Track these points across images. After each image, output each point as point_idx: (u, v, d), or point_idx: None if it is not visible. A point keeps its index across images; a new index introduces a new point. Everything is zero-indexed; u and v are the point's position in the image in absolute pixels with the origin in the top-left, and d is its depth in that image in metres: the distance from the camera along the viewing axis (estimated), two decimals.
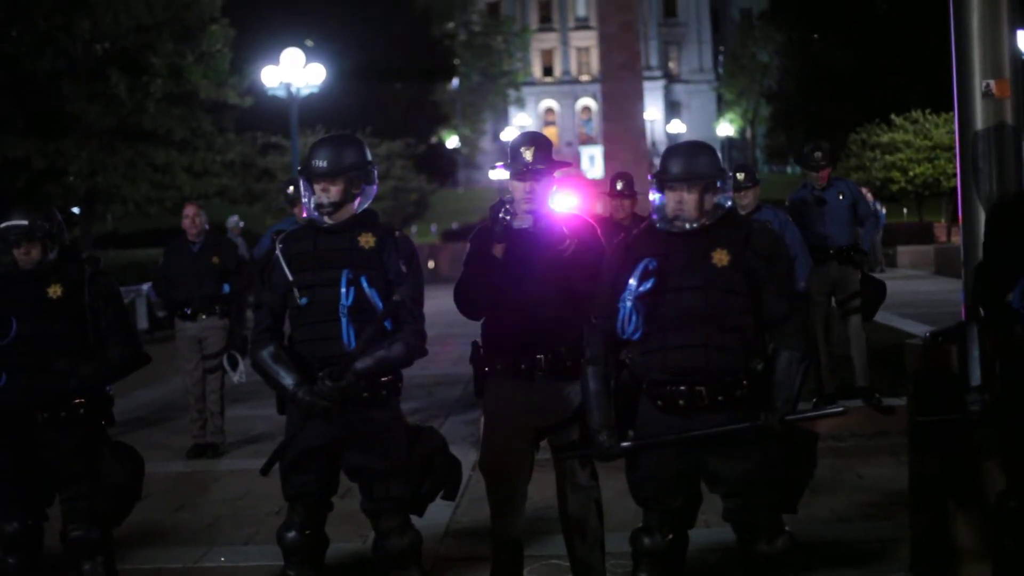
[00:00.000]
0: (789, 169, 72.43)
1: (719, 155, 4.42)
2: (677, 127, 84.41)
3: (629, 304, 4.24)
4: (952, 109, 5.46)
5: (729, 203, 4.36)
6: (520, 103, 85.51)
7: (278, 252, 4.74)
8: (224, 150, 34.87)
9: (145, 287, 18.63)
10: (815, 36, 48.88)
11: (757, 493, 4.25)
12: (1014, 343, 4.45)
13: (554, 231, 4.84)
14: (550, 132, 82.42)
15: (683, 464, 4.29)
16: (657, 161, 4.48)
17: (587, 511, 5.01)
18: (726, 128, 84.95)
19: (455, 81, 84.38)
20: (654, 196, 4.39)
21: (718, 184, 4.31)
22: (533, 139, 5.00)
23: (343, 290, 4.61)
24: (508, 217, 4.80)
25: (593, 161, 74.26)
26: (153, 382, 12.94)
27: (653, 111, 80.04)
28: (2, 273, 5.03)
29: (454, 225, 49.97)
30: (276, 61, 26.22)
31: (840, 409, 4.49)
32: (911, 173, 33.77)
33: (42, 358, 4.95)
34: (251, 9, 53.10)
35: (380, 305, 4.61)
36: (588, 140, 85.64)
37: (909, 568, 5.50)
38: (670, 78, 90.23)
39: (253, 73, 31.00)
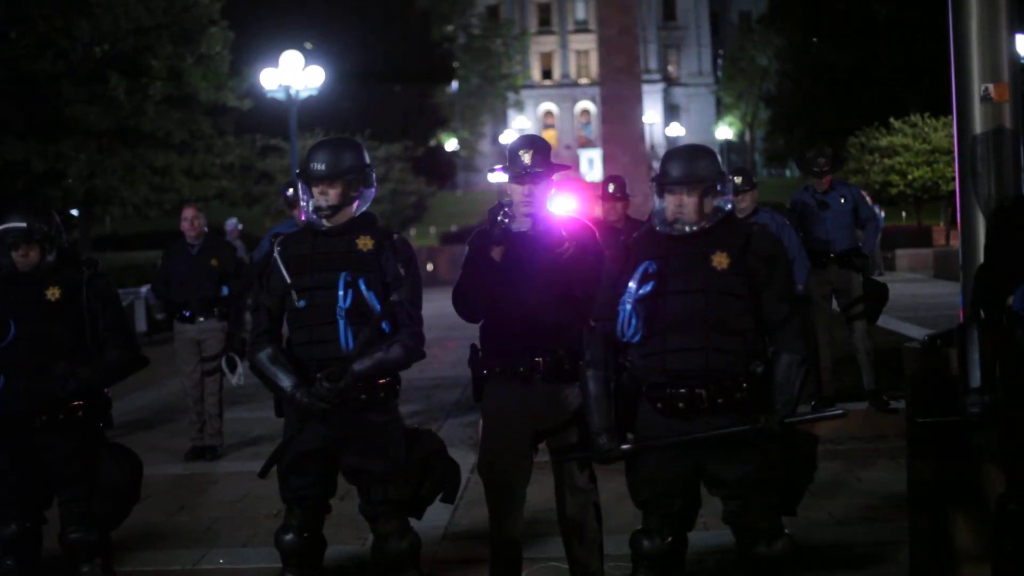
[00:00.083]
0: (788, 172, 72.53)
1: (719, 158, 4.43)
2: (676, 130, 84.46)
3: (629, 307, 4.24)
4: (951, 113, 5.46)
5: (729, 206, 4.37)
6: (519, 106, 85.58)
7: (276, 255, 4.74)
8: (223, 153, 34.93)
9: (144, 289, 18.66)
10: (814, 40, 48.90)
11: (757, 496, 4.25)
12: (1014, 346, 4.45)
13: (553, 234, 4.84)
14: (549, 135, 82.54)
15: (683, 467, 4.29)
16: (656, 164, 4.49)
17: (586, 513, 5.01)
18: (725, 131, 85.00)
19: (454, 84, 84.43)
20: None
21: (718, 187, 4.31)
22: (532, 142, 5.00)
23: (341, 293, 4.61)
24: (507, 220, 4.80)
25: (592, 164, 74.38)
26: (151, 384, 12.94)
27: (652, 114, 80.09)
28: (0, 276, 5.03)
29: (453, 228, 50.01)
30: (275, 64, 26.23)
31: (840, 412, 4.49)
32: (910, 177, 33.79)
33: (41, 360, 4.95)
34: (250, 12, 53.15)
35: (378, 308, 4.62)
36: (587, 143, 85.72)
37: (908, 571, 5.49)
38: (669, 81, 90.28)
39: (252, 76, 31.04)
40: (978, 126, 5.26)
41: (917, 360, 5.30)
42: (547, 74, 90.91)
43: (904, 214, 41.85)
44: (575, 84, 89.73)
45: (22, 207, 5.08)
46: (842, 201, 9.29)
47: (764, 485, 4.25)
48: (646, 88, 58.49)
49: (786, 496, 4.33)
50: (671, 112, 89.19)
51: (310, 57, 27.55)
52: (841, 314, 9.44)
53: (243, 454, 9.49)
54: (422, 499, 4.82)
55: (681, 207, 4.29)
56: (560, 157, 58.50)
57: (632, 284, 4.25)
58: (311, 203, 4.70)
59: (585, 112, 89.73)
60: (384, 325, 4.63)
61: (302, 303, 4.66)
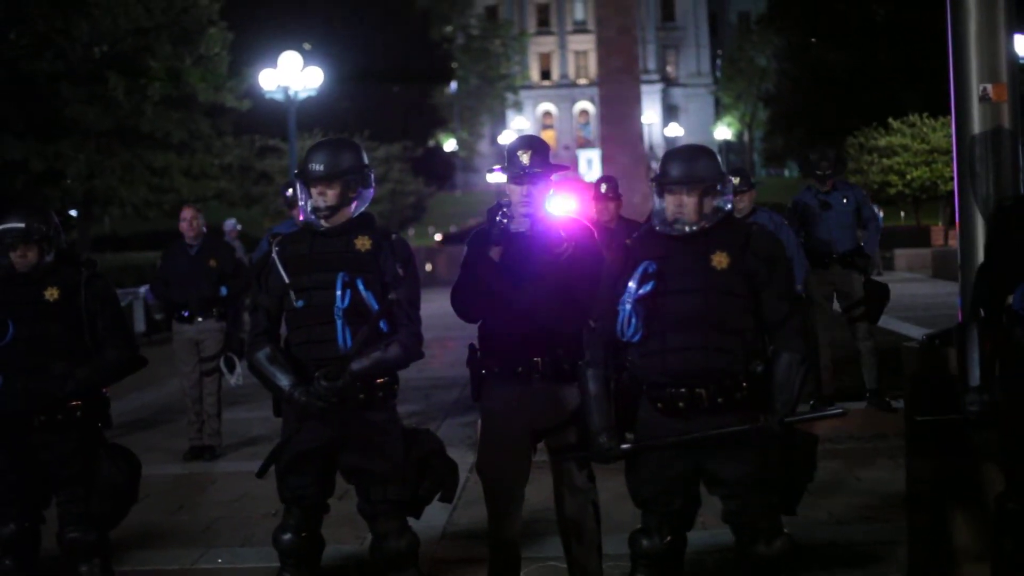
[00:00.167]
0: (787, 172, 72.53)
1: (719, 158, 4.43)
2: (675, 131, 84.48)
3: (628, 307, 4.24)
4: (949, 113, 5.47)
5: (729, 206, 4.37)
6: (518, 107, 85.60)
7: (274, 255, 4.74)
8: (222, 153, 34.93)
9: (142, 290, 18.66)
10: (813, 40, 48.93)
11: (756, 495, 4.25)
12: (1013, 345, 4.45)
13: (551, 234, 4.84)
14: (548, 136, 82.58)
15: (683, 466, 4.29)
16: (655, 165, 4.50)
17: (584, 513, 5.02)
18: (724, 132, 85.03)
19: (453, 84, 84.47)
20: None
21: (718, 187, 4.31)
22: (530, 142, 5.01)
23: (339, 293, 4.61)
24: (505, 220, 4.80)
25: (591, 164, 74.39)
26: (150, 384, 12.94)
27: (651, 115, 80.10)
28: None
29: (452, 228, 50.02)
30: (274, 64, 26.24)
31: (840, 411, 4.49)
32: (908, 177, 33.83)
33: (39, 361, 4.95)
34: (249, 13, 53.15)
35: (376, 308, 4.62)
36: (586, 144, 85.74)
37: (907, 570, 5.49)
38: (668, 82, 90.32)
39: (251, 76, 31.06)
40: (976, 126, 5.27)
41: (916, 359, 5.30)
42: (546, 75, 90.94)
43: (903, 214, 41.87)
44: (574, 85, 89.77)
45: (20, 207, 5.08)
46: (844, 201, 9.29)
47: (764, 484, 4.25)
48: (645, 88, 58.42)
49: (786, 495, 4.33)
50: (670, 112, 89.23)
51: (309, 58, 27.57)
52: (843, 315, 9.44)
53: (241, 454, 9.49)
54: (420, 498, 4.82)
55: (681, 207, 4.29)
56: (559, 158, 58.51)
57: (632, 284, 4.25)
58: (309, 203, 4.70)
59: (584, 112, 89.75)
60: (382, 325, 4.64)
61: (300, 303, 4.66)
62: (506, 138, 63.76)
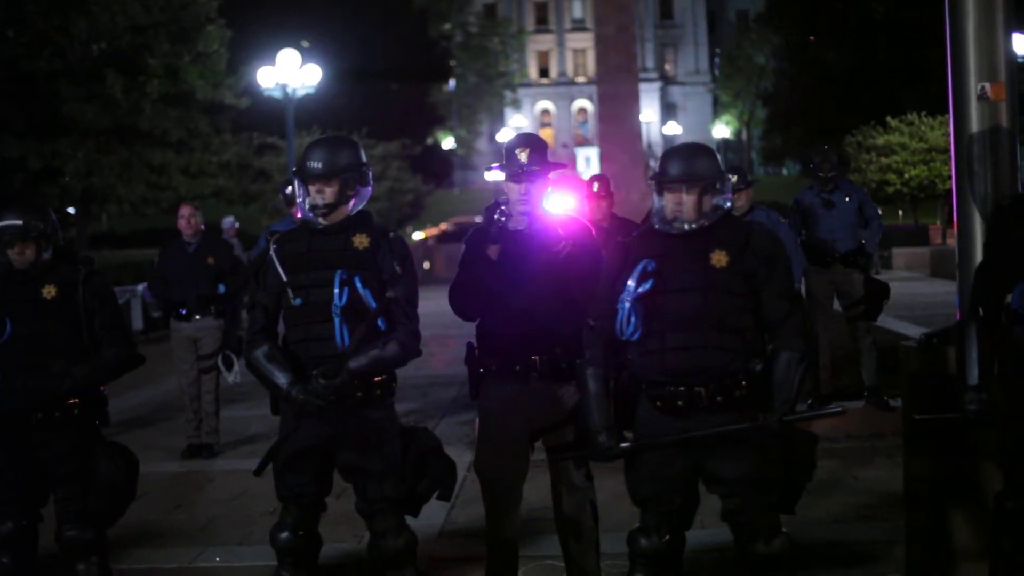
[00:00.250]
0: (785, 171, 72.50)
1: (718, 157, 4.43)
2: (673, 129, 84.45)
3: (627, 305, 4.24)
4: (948, 112, 5.47)
5: (728, 204, 4.37)
6: (516, 105, 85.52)
7: (272, 253, 4.74)
8: (220, 151, 34.91)
9: (140, 287, 18.67)
10: (811, 38, 48.89)
11: (755, 494, 4.25)
12: (1012, 344, 4.45)
13: (549, 233, 4.84)
14: (546, 134, 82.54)
15: (682, 465, 4.29)
16: (653, 163, 4.49)
17: (582, 512, 5.02)
18: (722, 130, 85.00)
19: (451, 82, 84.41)
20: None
21: (717, 186, 4.31)
22: (528, 141, 5.01)
23: (336, 290, 4.61)
24: (503, 218, 4.80)
25: (589, 163, 74.30)
26: (148, 382, 12.93)
27: (649, 113, 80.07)
28: None
29: (450, 227, 49.91)
30: (272, 62, 26.23)
31: (839, 409, 4.49)
32: (907, 176, 33.81)
33: (37, 359, 4.95)
34: (247, 10, 53.12)
35: (374, 305, 4.62)
36: (584, 142, 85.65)
37: (905, 570, 5.49)
38: (666, 80, 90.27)
39: (249, 74, 31.06)
40: (974, 125, 5.27)
41: (914, 358, 5.30)
42: (544, 72, 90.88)
43: (900, 213, 41.85)
44: (572, 83, 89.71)
45: (18, 205, 5.07)
46: (847, 200, 9.29)
47: (763, 483, 4.25)
48: (643, 86, 58.38)
49: (785, 494, 4.33)
50: (668, 111, 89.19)
51: (307, 55, 27.56)
52: (844, 314, 9.44)
53: (239, 452, 9.49)
54: (418, 497, 4.82)
55: (680, 205, 4.29)
56: (557, 156, 58.45)
57: (631, 282, 4.25)
58: (307, 201, 4.70)
59: (582, 111, 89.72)
60: (380, 323, 4.63)
61: (298, 301, 4.66)
62: (504, 136, 63.69)
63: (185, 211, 9.48)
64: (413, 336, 4.71)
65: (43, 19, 29.71)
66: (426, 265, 35.00)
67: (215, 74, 32.65)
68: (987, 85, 5.23)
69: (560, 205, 5.17)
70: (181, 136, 32.77)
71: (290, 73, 25.95)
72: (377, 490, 4.70)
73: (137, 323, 19.58)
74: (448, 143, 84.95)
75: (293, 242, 4.74)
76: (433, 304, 10.40)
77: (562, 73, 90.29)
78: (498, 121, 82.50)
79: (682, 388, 4.21)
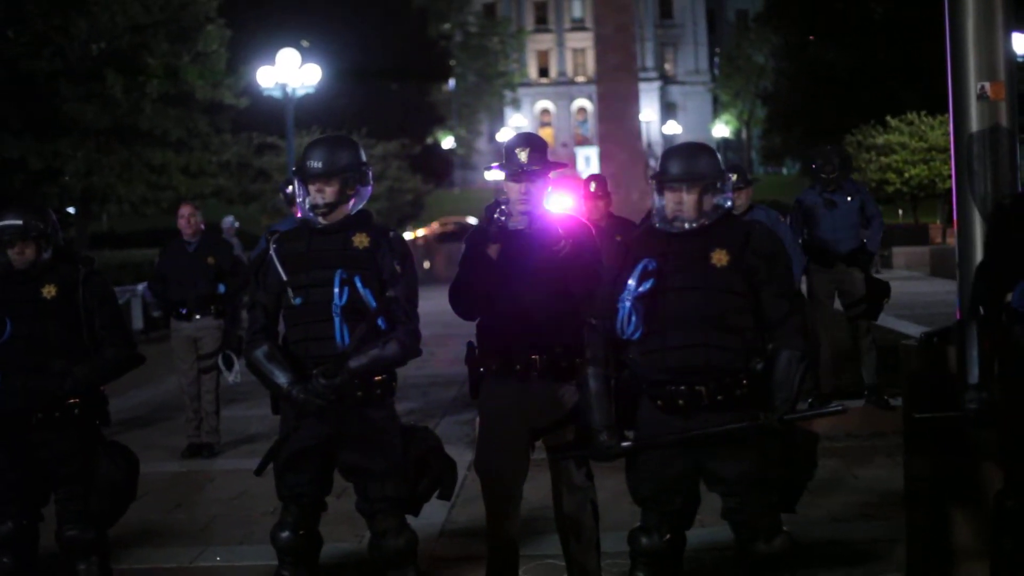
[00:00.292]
0: (785, 170, 72.48)
1: (718, 156, 4.43)
2: (673, 128, 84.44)
3: (628, 304, 4.24)
4: (947, 111, 5.47)
5: (729, 203, 4.37)
6: (516, 104, 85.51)
7: (272, 252, 4.74)
8: (220, 150, 34.91)
9: (140, 287, 18.66)
10: (811, 38, 48.88)
11: (756, 493, 4.25)
12: (1013, 343, 4.45)
13: (549, 232, 4.84)
14: (546, 133, 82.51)
15: (683, 464, 4.29)
16: (653, 162, 4.49)
17: (583, 511, 5.02)
18: (722, 129, 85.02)
19: (451, 82, 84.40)
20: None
21: (717, 185, 4.31)
22: (528, 140, 5.01)
23: (336, 290, 4.61)
24: (503, 218, 4.80)
25: (589, 162, 74.30)
26: (148, 382, 12.94)
27: (649, 112, 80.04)
28: None
29: (450, 226, 49.90)
30: (272, 61, 26.24)
31: (839, 408, 4.49)
32: (907, 175, 33.81)
33: (37, 358, 4.95)
34: (247, 10, 53.13)
35: (374, 305, 4.62)
36: (584, 141, 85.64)
37: (905, 569, 5.50)
38: (666, 79, 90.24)
39: (249, 73, 31.07)
40: (974, 124, 5.27)
41: (915, 357, 5.30)
42: (544, 72, 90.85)
43: (900, 212, 41.84)
44: (572, 82, 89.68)
45: (18, 205, 5.08)
46: (849, 200, 9.28)
47: (764, 483, 4.25)
48: (643, 86, 58.43)
49: (786, 493, 4.34)
50: (668, 110, 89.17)
51: (307, 55, 27.58)
52: (844, 313, 9.44)
53: (240, 451, 9.49)
54: (419, 496, 4.82)
55: (680, 204, 4.29)
56: (557, 155, 58.42)
57: (631, 281, 4.25)
58: (307, 200, 4.70)
59: (582, 110, 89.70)
60: (380, 322, 4.63)
61: (298, 300, 4.66)
62: (504, 136, 63.71)
63: (185, 211, 9.48)
64: (413, 335, 4.71)
65: (43, 19, 29.70)
66: (426, 264, 34.99)
67: (215, 74, 32.65)
68: (987, 84, 5.23)
69: (560, 204, 5.18)
70: (181, 136, 32.78)
71: (290, 73, 25.95)
72: (378, 490, 4.70)
73: (137, 323, 19.58)
74: (448, 143, 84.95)
75: (293, 241, 4.74)
76: (433, 304, 10.41)
77: (562, 73, 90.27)
78: (498, 121, 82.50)
79: (683, 387, 4.21)
